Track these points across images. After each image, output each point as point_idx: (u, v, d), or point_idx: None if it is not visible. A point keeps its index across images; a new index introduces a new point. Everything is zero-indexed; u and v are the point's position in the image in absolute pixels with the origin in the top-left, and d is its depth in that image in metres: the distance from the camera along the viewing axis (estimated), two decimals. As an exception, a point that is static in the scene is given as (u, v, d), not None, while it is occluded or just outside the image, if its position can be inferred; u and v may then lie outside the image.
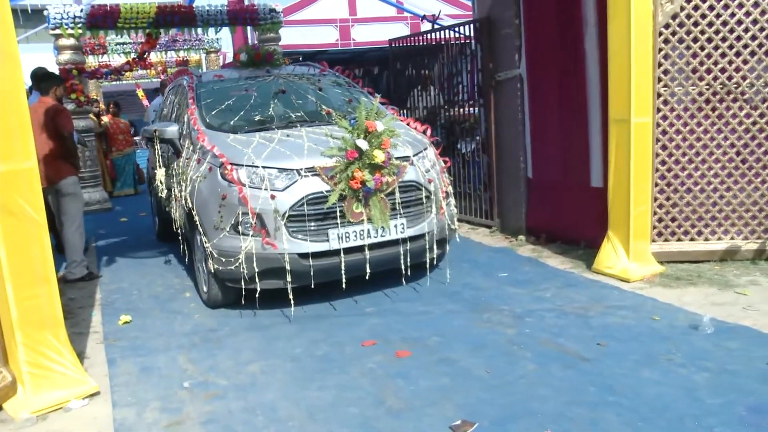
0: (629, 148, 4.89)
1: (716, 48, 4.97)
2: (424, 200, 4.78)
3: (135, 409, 3.37)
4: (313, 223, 4.39)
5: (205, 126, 5.10)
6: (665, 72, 5.05)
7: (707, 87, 5.02)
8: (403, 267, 4.66)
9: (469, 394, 3.29)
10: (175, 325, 4.59)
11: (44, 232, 3.44)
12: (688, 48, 5.01)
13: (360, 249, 4.49)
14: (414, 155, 4.80)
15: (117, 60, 16.92)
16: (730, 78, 4.99)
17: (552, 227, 6.26)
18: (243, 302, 4.63)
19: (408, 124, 5.47)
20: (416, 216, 4.74)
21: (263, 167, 4.43)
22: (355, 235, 4.46)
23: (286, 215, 4.34)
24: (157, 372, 3.83)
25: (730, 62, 4.98)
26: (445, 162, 5.18)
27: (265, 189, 4.36)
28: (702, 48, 4.98)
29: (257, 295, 4.47)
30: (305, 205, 4.36)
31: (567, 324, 4.15)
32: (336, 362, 3.80)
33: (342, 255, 4.43)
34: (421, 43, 8.27)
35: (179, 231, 5.56)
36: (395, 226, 4.57)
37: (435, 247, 4.92)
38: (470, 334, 4.08)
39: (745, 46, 4.95)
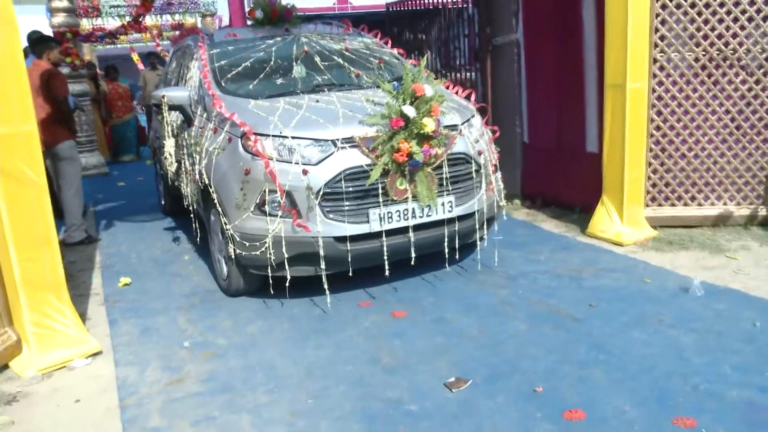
0: (624, 113, 4.92)
1: (714, 14, 4.97)
2: (474, 175, 4.25)
3: (137, 368, 3.45)
4: (351, 202, 3.87)
5: (221, 91, 4.56)
6: (662, 38, 5.04)
7: (704, 53, 5.03)
8: (447, 250, 4.21)
9: (463, 352, 3.38)
10: (174, 287, 4.66)
11: (45, 194, 3.48)
12: (685, 14, 5.00)
13: (403, 230, 4.02)
14: (462, 124, 4.27)
15: (111, 23, 16.74)
16: (726, 44, 5.00)
17: (547, 192, 6.32)
18: (272, 292, 4.13)
19: (447, 87, 4.91)
20: (465, 193, 4.22)
21: (293, 137, 3.89)
22: (399, 215, 3.97)
23: (321, 193, 3.81)
24: (157, 332, 3.91)
25: (728, 28, 4.98)
26: (493, 132, 4.64)
27: (296, 163, 3.82)
28: (699, 14, 4.98)
29: (287, 284, 4.00)
30: (342, 182, 3.83)
31: (559, 286, 4.23)
32: (332, 322, 3.88)
33: (384, 238, 3.97)
34: (418, 8, 8.22)
35: (191, 208, 5.06)
36: (442, 204, 4.07)
37: (485, 226, 4.48)
38: (464, 295, 4.16)
39: (743, 12, 4.94)
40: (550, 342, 3.44)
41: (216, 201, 4.13)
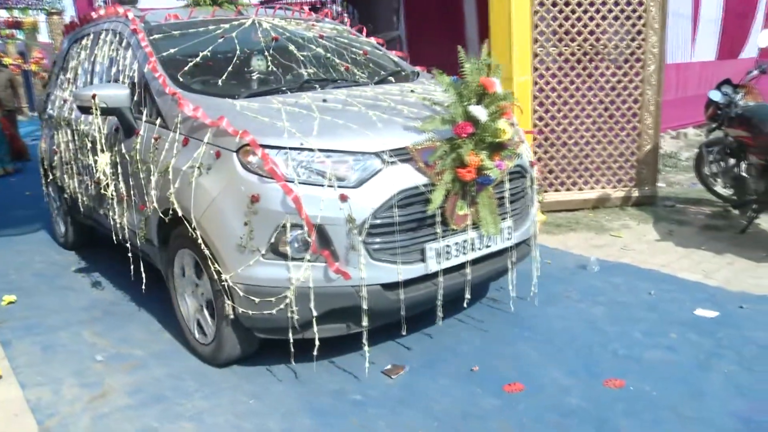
0: (512, 105, 5.19)
1: (585, 12, 5.38)
2: (528, 191, 3.45)
3: (49, 387, 3.19)
4: (403, 236, 2.90)
5: (182, 88, 3.47)
6: (541, 33, 5.39)
7: (578, 47, 5.43)
8: (511, 286, 3.54)
9: (393, 343, 3.42)
10: (70, 301, 4.33)
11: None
12: (560, 11, 5.37)
13: (457, 267, 3.10)
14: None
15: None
16: (597, 39, 5.43)
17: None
18: (293, 363, 3.07)
19: None
20: (521, 214, 3.40)
21: (320, 150, 2.85)
22: (457, 249, 3.05)
23: (367, 226, 2.82)
24: (62, 349, 3.62)
25: (597, 25, 5.41)
26: (535, 138, 3.71)
27: (329, 185, 2.81)
28: (573, 11, 5.37)
29: (315, 351, 2.91)
30: (394, 209, 2.87)
31: (469, 272, 4.39)
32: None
33: (441, 278, 3.03)
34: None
35: (129, 244, 3.99)
36: (502, 230, 3.20)
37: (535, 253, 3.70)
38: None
39: (610, 11, 5.39)
40: (477, 324, 3.58)
41: (203, 241, 3.00)
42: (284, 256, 2.80)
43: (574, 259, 4.49)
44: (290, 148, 2.84)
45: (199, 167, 3.03)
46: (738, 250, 4.50)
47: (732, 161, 5.25)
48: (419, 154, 2.91)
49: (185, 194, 3.08)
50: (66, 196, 5.08)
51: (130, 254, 3.94)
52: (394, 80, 4.02)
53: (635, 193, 5.67)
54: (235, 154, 2.91)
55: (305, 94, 3.42)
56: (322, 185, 2.79)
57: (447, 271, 3.05)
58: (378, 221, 2.82)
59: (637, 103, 5.52)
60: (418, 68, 4.38)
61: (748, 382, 2.86)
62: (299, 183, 2.78)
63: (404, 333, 3.14)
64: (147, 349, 3.55)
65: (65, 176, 4.87)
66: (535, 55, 5.39)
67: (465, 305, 3.35)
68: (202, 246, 2.99)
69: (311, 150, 2.84)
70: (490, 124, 2.97)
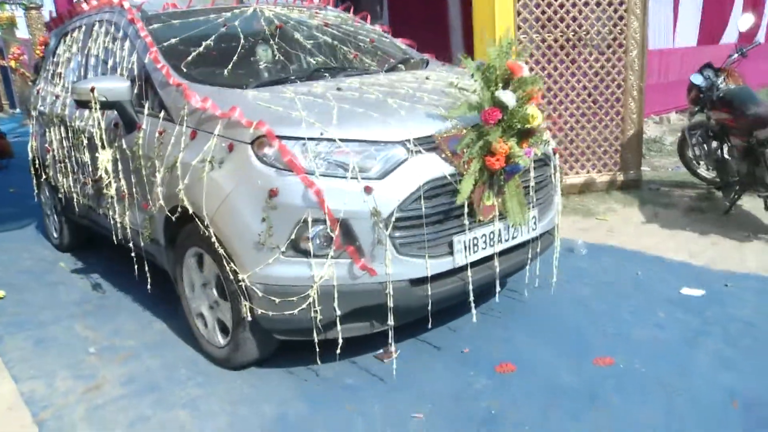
0: (497, 92, 5.22)
1: (567, -2, 5.42)
2: (552, 179, 3.35)
3: (42, 380, 3.19)
4: (430, 229, 2.76)
5: (186, 79, 3.30)
6: (524, 20, 5.42)
7: (561, 34, 5.47)
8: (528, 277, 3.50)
9: (383, 331, 3.44)
10: (60, 296, 4.32)
11: None
12: (543, -2, 5.41)
13: (484, 260, 2.97)
14: None
15: None
16: (580, 26, 5.47)
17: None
18: (318, 363, 2.90)
19: None
20: (545, 203, 3.27)
21: (341, 140, 2.70)
22: (484, 241, 2.92)
23: (393, 219, 2.66)
24: (54, 342, 3.62)
25: (580, 11, 5.45)
26: (553, 124, 3.68)
27: (352, 177, 2.65)
28: (555, -2, 5.41)
29: (337, 349, 2.77)
30: (421, 200, 2.71)
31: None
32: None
33: (469, 272, 2.88)
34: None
35: (132, 245, 3.76)
36: (527, 220, 3.04)
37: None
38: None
39: (591, -3, 5.44)
40: (463, 308, 3.61)
41: (216, 239, 2.83)
42: (306, 253, 2.65)
43: (561, 243, 4.48)
44: (309, 139, 2.68)
45: (210, 161, 2.86)
46: (722, 230, 4.57)
47: (714, 144, 5.31)
48: (446, 142, 2.77)
49: (196, 190, 2.91)
50: (60, 195, 4.89)
51: (133, 254, 3.73)
52: (404, 68, 3.92)
53: (620, 178, 5.72)
54: (249, 146, 2.75)
55: (317, 83, 3.28)
56: (344, 177, 2.64)
57: (473, 264, 2.92)
58: (404, 214, 2.66)
59: (621, 88, 5.57)
60: (426, 55, 4.28)
61: (734, 357, 2.92)
62: (320, 175, 2.63)
63: (429, 327, 3.05)
64: (139, 340, 3.56)
65: (59, 175, 4.73)
66: (519, 41, 5.42)
67: (496, 299, 3.30)
68: (216, 245, 2.82)
69: (332, 140, 2.68)
70: (518, 109, 2.78)
